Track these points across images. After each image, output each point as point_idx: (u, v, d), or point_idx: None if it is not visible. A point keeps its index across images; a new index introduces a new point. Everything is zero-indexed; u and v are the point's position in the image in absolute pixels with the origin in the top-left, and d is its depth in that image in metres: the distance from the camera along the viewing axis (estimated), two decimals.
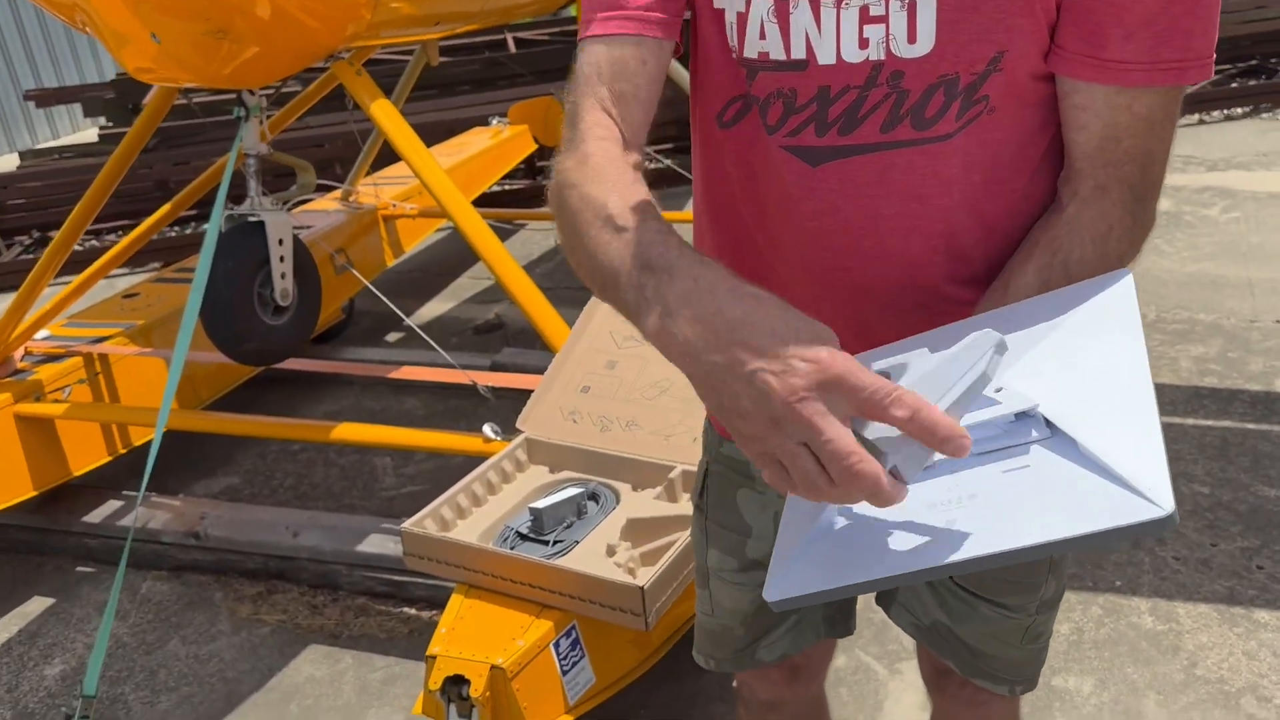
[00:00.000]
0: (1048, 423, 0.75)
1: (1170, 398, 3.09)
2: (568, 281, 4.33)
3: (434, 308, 4.36)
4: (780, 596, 0.77)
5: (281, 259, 2.48)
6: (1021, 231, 0.96)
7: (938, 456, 0.71)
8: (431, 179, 2.34)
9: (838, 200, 0.96)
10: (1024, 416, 0.76)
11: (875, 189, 0.94)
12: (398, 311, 3.03)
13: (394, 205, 4.01)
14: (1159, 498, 0.66)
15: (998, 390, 0.78)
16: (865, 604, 1.60)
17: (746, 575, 1.24)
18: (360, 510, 2.92)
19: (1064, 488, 0.71)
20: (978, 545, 0.71)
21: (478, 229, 2.30)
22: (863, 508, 0.77)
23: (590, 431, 2.03)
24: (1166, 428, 0.89)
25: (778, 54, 0.92)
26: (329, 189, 4.04)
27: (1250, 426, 2.91)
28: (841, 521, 0.79)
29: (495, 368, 3.30)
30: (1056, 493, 0.71)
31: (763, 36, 0.92)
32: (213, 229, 2.28)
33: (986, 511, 0.72)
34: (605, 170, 0.87)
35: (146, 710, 2.28)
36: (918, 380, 0.71)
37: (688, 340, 0.71)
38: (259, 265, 2.47)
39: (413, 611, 2.49)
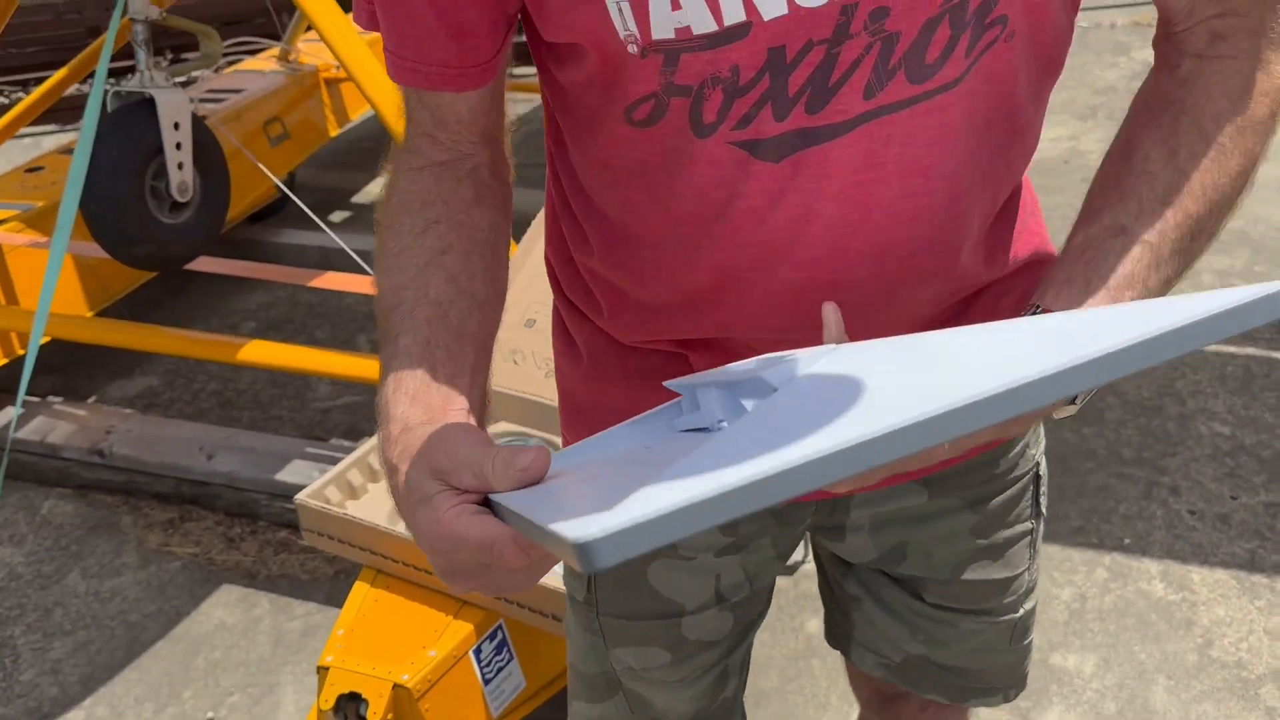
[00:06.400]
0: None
1: None
2: (535, 159, 3.92)
3: None
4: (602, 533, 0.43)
5: (178, 146, 2.10)
6: (1026, 192, 0.85)
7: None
8: (340, 43, 1.95)
9: (813, 200, 0.69)
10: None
11: (865, 174, 0.69)
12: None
13: (338, 67, 3.58)
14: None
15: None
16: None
17: (688, 666, 0.95)
18: (288, 426, 2.63)
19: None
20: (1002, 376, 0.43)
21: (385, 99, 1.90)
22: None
23: (534, 376, 1.72)
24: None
25: (704, 25, 0.65)
26: (263, 48, 3.60)
27: (1278, 356, 2.63)
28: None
29: None
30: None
31: (676, 6, 0.64)
32: (91, 110, 1.90)
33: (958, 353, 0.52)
34: (398, 223, 0.75)
35: (37, 658, 2.04)
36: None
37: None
38: (150, 154, 2.09)
39: None
